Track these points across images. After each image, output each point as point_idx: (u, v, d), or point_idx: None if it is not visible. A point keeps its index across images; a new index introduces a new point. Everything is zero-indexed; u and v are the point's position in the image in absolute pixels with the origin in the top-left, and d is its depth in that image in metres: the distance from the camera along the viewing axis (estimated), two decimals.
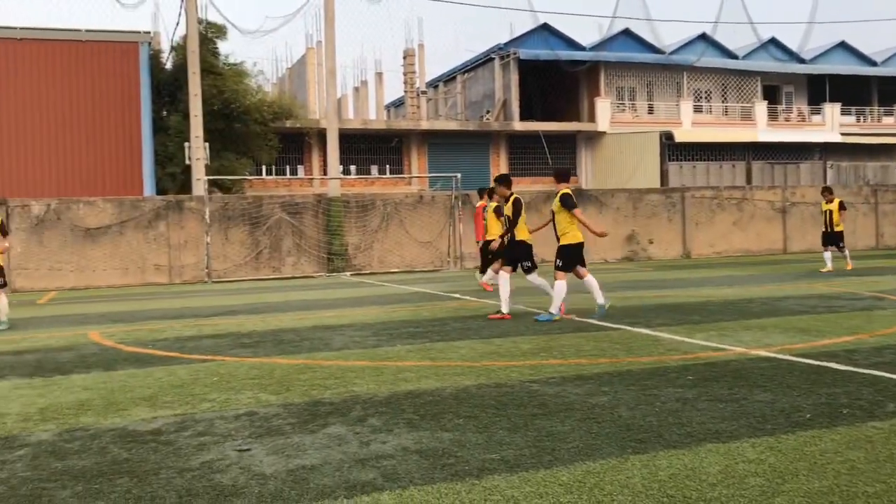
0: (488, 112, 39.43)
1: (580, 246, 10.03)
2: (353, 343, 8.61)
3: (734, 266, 17.57)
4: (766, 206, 27.33)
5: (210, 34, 27.70)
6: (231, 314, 12.32)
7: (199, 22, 24.48)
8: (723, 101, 42.18)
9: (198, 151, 22.37)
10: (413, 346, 8.33)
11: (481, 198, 15.73)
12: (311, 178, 32.46)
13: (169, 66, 28.40)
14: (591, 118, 38.70)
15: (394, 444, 4.60)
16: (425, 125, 36.99)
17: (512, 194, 10.54)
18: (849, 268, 17.66)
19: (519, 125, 37.09)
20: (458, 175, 23.95)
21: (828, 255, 17.83)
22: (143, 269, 20.87)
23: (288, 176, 34.14)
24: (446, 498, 3.67)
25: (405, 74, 43.58)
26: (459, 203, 23.52)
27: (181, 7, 24.61)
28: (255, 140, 28.38)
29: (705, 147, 36.16)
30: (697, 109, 40.76)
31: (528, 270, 10.49)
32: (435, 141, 37.04)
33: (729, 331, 8.76)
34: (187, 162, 23.01)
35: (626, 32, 40.41)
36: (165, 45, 29.79)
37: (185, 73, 23.08)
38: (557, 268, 10.04)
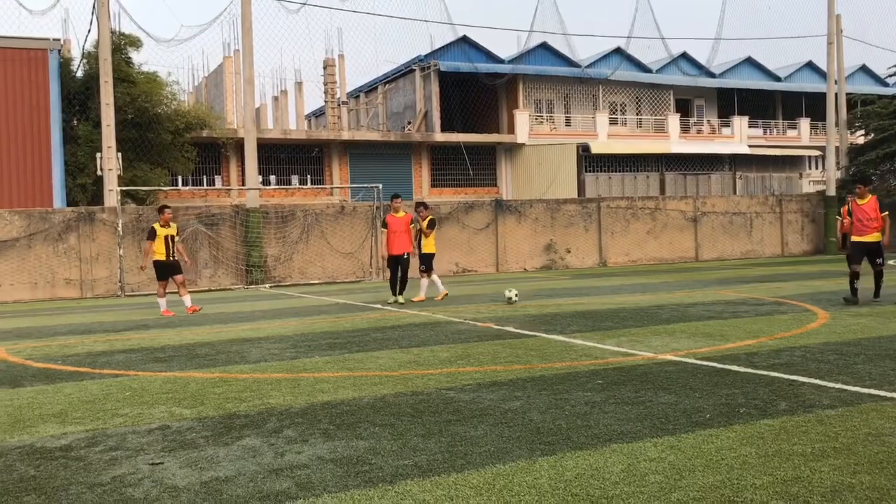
0: (409, 123, 39.60)
1: None
2: (270, 355, 8.58)
3: (648, 274, 18.13)
4: (678, 215, 28.25)
5: (123, 43, 27.02)
6: (144, 328, 12.07)
7: (112, 32, 23.84)
8: (637, 114, 43.41)
9: (110, 162, 21.77)
10: (331, 357, 8.35)
11: None
12: (229, 189, 31.88)
13: (80, 74, 27.57)
14: (511, 130, 39.28)
15: (309, 453, 4.64)
16: (346, 135, 36.90)
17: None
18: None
19: (440, 136, 37.36)
20: (380, 185, 23.98)
21: (430, 280, 15.04)
22: (53, 283, 20.18)
23: (205, 186, 33.48)
24: None
25: (325, 85, 43.33)
26: (381, 213, 23.54)
27: (93, 14, 23.97)
28: (169, 150, 27.75)
29: (620, 158, 37.16)
30: (613, 122, 41.83)
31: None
32: (356, 151, 36.97)
33: (639, 336, 9.08)
34: (98, 172, 22.36)
35: (544, 46, 41.21)
36: (76, 53, 28.90)
37: (97, 82, 22.45)
38: None
